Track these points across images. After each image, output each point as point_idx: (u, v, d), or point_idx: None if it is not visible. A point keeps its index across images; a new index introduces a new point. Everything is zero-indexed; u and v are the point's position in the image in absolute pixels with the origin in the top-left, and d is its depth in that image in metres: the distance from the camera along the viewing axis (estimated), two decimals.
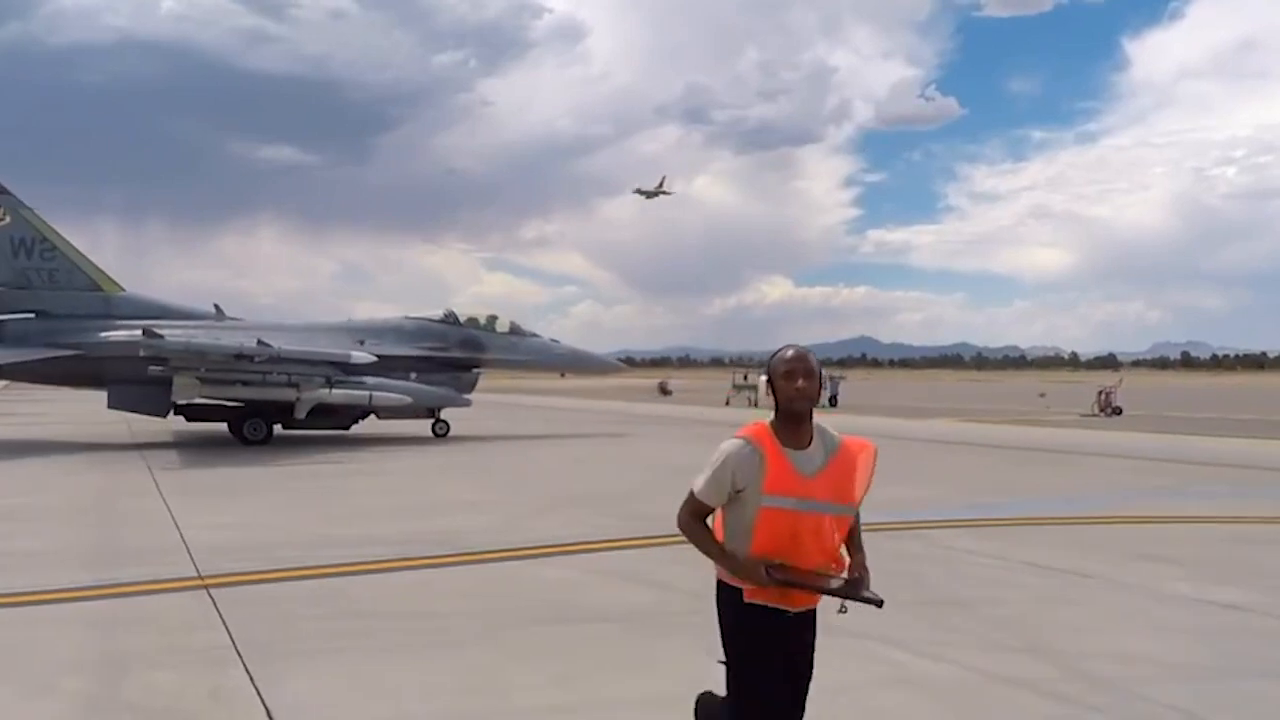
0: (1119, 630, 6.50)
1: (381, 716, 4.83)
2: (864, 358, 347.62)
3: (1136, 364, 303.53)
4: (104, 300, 21.84)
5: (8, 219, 21.16)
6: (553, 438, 24.23)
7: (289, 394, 20.56)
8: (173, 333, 20.13)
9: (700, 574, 7.99)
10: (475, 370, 24.68)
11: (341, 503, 12.58)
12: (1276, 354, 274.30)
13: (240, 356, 19.77)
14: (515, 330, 24.75)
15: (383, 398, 21.36)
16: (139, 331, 19.49)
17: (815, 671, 3.59)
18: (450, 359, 23.91)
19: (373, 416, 22.51)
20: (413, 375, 22.74)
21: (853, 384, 62.72)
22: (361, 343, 22.63)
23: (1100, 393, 39.75)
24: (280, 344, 20.52)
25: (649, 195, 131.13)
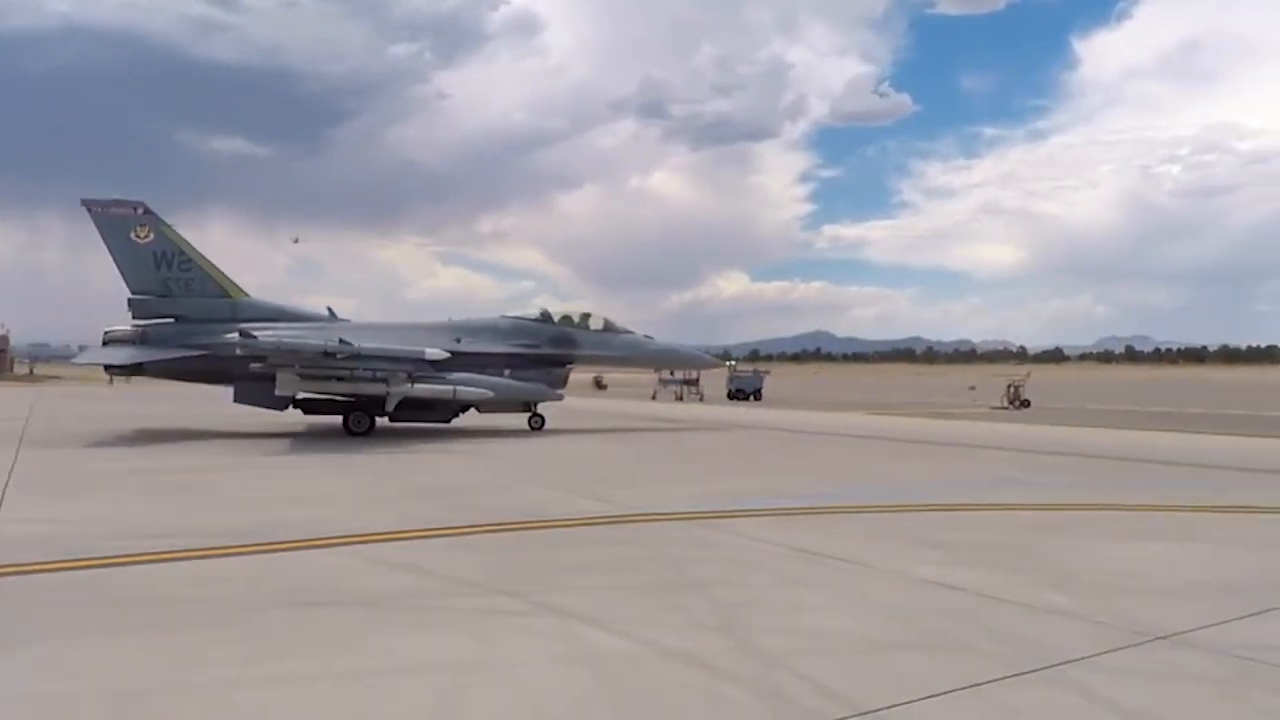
0: (828, 610, 6.87)
1: (47, 692, 5.07)
2: (819, 352, 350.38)
3: (1083, 357, 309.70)
4: (231, 305, 24.39)
5: (151, 236, 24.02)
6: (464, 435, 23.88)
7: (379, 389, 22.31)
8: (266, 333, 22.10)
9: (475, 559, 8.47)
10: (568, 366, 25.95)
11: (204, 498, 12.75)
12: (1216, 348, 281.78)
13: (326, 354, 21.53)
14: (609, 327, 25.91)
15: (466, 392, 22.94)
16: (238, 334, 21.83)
17: (480, 649, 3.76)
18: (543, 355, 25.14)
19: (474, 411, 24.38)
20: (506, 371, 24.26)
21: (800, 379, 63.90)
22: (458, 340, 24.37)
23: (1009, 386, 40.77)
24: (375, 343, 22.59)
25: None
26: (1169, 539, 9.99)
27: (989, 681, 5.26)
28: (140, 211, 24.09)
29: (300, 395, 22.94)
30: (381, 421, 23.51)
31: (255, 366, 21.97)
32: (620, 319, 26.51)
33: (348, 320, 25.85)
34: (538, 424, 24.70)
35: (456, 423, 24.55)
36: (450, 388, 22.79)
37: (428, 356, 22.47)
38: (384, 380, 22.22)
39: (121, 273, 24.06)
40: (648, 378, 48.60)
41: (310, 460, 17.82)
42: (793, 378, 43.12)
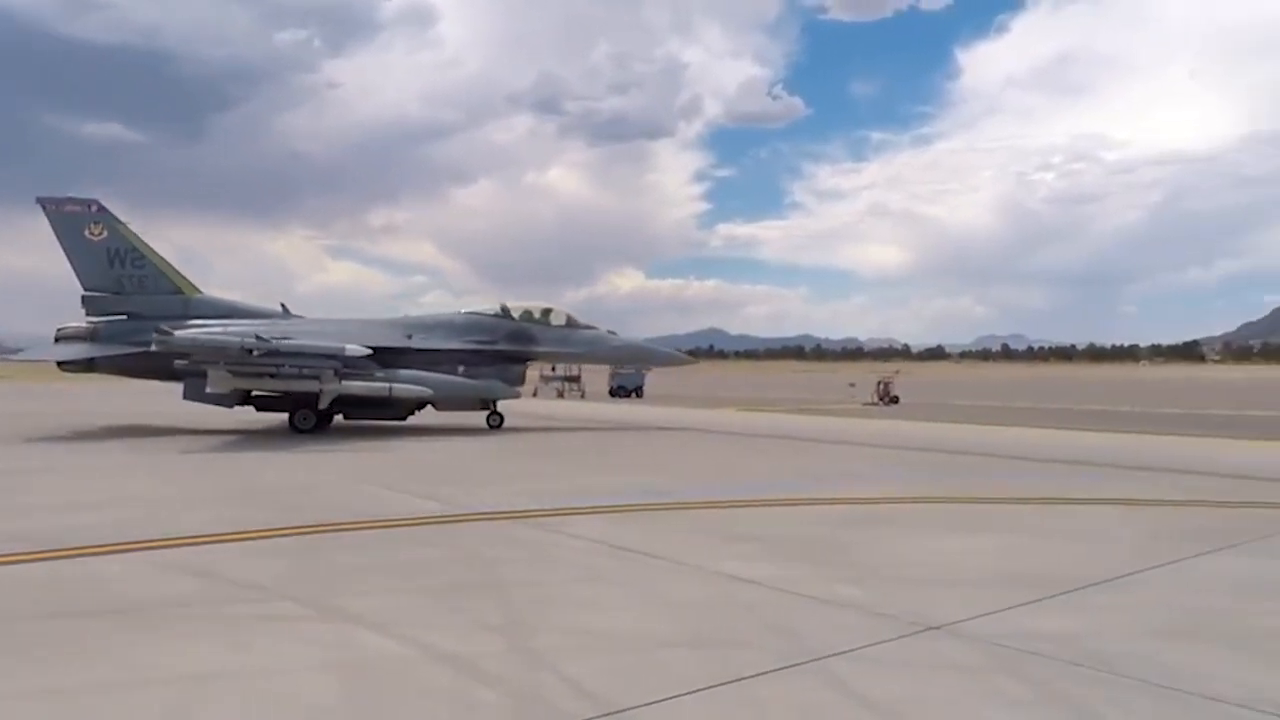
0: (618, 608, 6.80)
1: None
2: (712, 349, 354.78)
3: (963, 355, 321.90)
4: (183, 302, 24.32)
5: (105, 234, 24.11)
6: (391, 434, 22.72)
7: (311, 386, 21.91)
8: (191, 331, 21.88)
9: (273, 563, 8.12)
10: (526, 363, 25.53)
11: (8, 500, 11.98)
12: (1084, 347, 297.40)
13: (243, 350, 21.15)
14: (570, 323, 25.37)
15: (402, 389, 22.40)
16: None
17: (233, 658, 3.55)
18: (499, 352, 24.56)
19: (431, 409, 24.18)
20: (460, 368, 23.74)
21: (687, 376, 64.26)
22: (409, 337, 24.08)
23: (879, 383, 41.95)
24: (318, 339, 22.31)
25: None
26: (984, 531, 10.28)
27: (751, 676, 5.26)
28: (94, 209, 24.25)
29: (255, 392, 22.86)
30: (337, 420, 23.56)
31: (179, 364, 22.03)
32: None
33: (300, 317, 25.61)
34: (496, 422, 24.25)
35: (422, 420, 24.32)
36: (386, 385, 22.27)
37: (348, 353, 21.76)
38: (315, 377, 21.82)
39: (75, 270, 24.12)
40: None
41: (167, 460, 16.96)
42: (679, 375, 43.28)
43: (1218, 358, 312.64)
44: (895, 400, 40.56)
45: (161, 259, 24.65)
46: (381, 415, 23.65)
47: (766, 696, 5.01)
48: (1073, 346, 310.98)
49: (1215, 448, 20.86)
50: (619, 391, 47.92)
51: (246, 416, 24.58)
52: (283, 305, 26.17)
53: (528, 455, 18.77)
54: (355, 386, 22.13)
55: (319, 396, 22.23)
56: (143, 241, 24.56)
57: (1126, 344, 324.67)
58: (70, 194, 24.50)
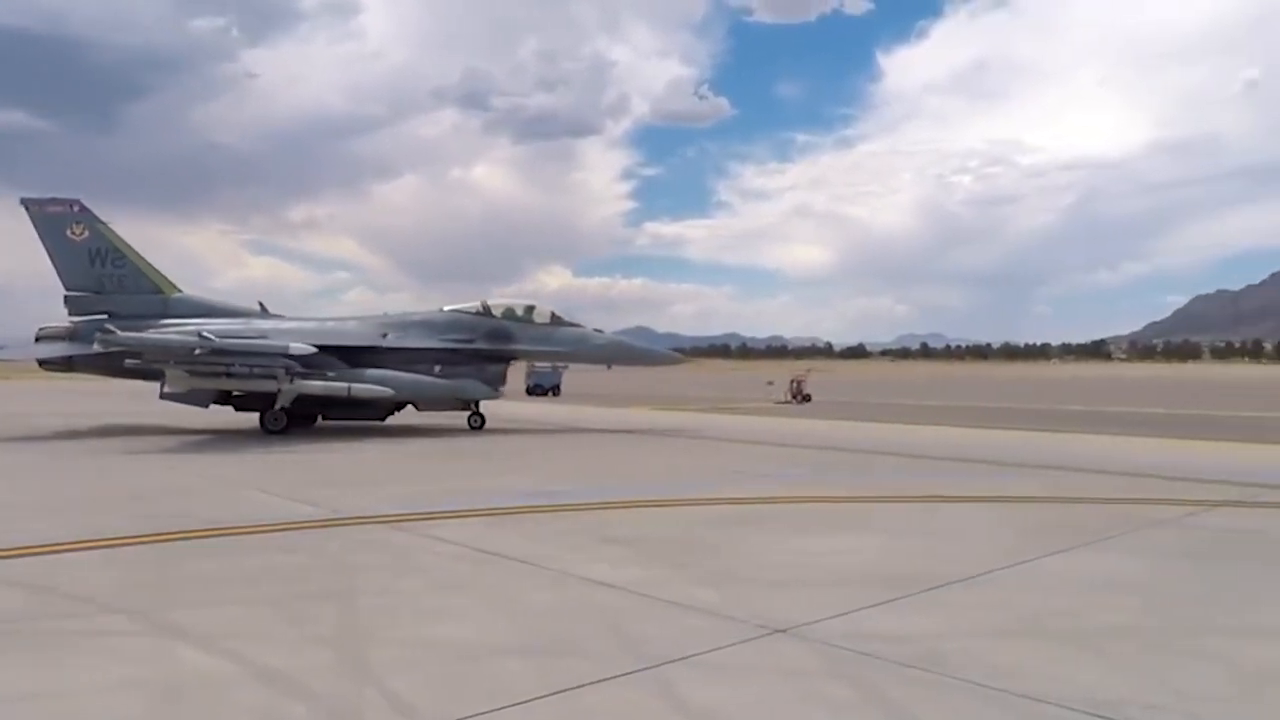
0: (466, 616, 6.63)
1: None
2: None
3: (884, 353, 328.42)
4: (162, 301, 24.30)
5: (86, 233, 24.16)
6: (282, 439, 21.55)
7: (269, 385, 21.52)
8: (130, 333, 21.23)
9: (113, 574, 7.78)
10: (505, 362, 24.68)
11: None
12: (999, 345, 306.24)
13: (186, 349, 20.91)
14: (555, 321, 24.57)
15: (361, 389, 21.86)
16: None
17: (37, 678, 3.27)
18: (478, 351, 23.92)
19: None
20: (437, 367, 23.21)
21: (607, 374, 64.02)
22: (385, 336, 23.66)
23: (792, 382, 42.42)
24: (289, 339, 21.85)
25: None
26: (858, 530, 10.37)
27: (581, 686, 5.16)
28: (76, 209, 24.31)
29: (235, 392, 22.74)
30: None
31: (130, 363, 22.00)
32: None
33: (280, 315, 25.38)
34: (477, 423, 23.72)
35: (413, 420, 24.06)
36: (344, 385, 21.72)
37: (292, 352, 21.24)
38: (271, 377, 21.43)
39: (57, 270, 24.18)
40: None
41: (63, 464, 16.38)
42: (601, 373, 43.83)
43: (1124, 356, 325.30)
44: (808, 398, 41.06)
45: (141, 258, 24.67)
46: (358, 416, 23.37)
47: (590, 706, 4.92)
48: (988, 345, 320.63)
49: (1107, 445, 21.48)
50: (535, 390, 47.51)
51: (229, 417, 24.00)
52: (260, 304, 25.97)
53: (420, 458, 18.43)
54: (314, 386, 21.69)
55: (276, 396, 21.82)
56: (123, 241, 24.59)
57: (1039, 343, 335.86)
58: (53, 194, 24.59)
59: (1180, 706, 4.97)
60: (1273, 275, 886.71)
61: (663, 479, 14.93)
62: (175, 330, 22.51)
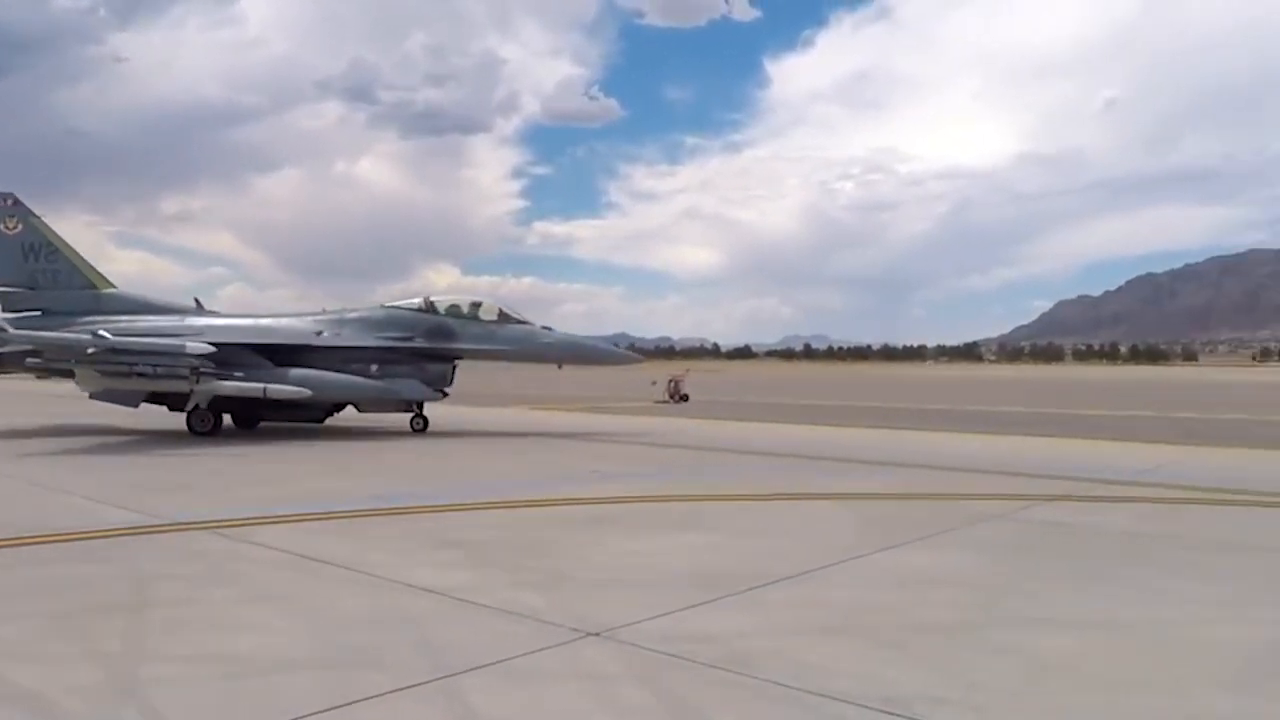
0: (268, 629, 6.25)
1: None
2: None
3: (769, 354, 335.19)
4: (95, 297, 23.64)
5: (20, 227, 23.62)
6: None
7: (180, 385, 20.55)
8: (25, 330, 20.85)
9: None
10: (448, 362, 23.05)
11: None
12: (879, 346, 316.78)
13: (77, 347, 20.12)
14: (503, 317, 23.00)
15: (277, 390, 20.63)
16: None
17: None
18: (417, 350, 22.51)
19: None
20: (374, 367, 21.98)
21: (491, 373, 63.11)
22: (319, 334, 22.57)
23: (670, 381, 42.65)
24: (223, 336, 21.20)
25: None
26: (701, 529, 10.30)
27: (364, 699, 4.88)
28: (10, 203, 23.73)
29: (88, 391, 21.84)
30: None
31: (32, 361, 21.75)
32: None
33: (214, 312, 24.73)
34: (420, 425, 22.56)
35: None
36: (260, 386, 20.51)
37: (189, 350, 19.93)
38: (181, 377, 20.32)
39: None
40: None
41: None
42: (485, 372, 42.82)
43: (993, 358, 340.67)
44: (685, 398, 41.33)
45: (74, 252, 24.03)
46: (295, 418, 22.50)
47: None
48: (869, 346, 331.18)
49: (960, 442, 22.12)
50: None
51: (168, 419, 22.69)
52: (196, 300, 25.32)
53: (270, 460, 17.68)
54: (227, 387, 20.58)
55: (189, 397, 20.89)
56: (56, 234, 23.96)
57: (916, 344, 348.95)
58: None
59: (967, 699, 5.02)
60: (1129, 282, 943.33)
61: (519, 480, 14.68)
62: (76, 328, 21.56)
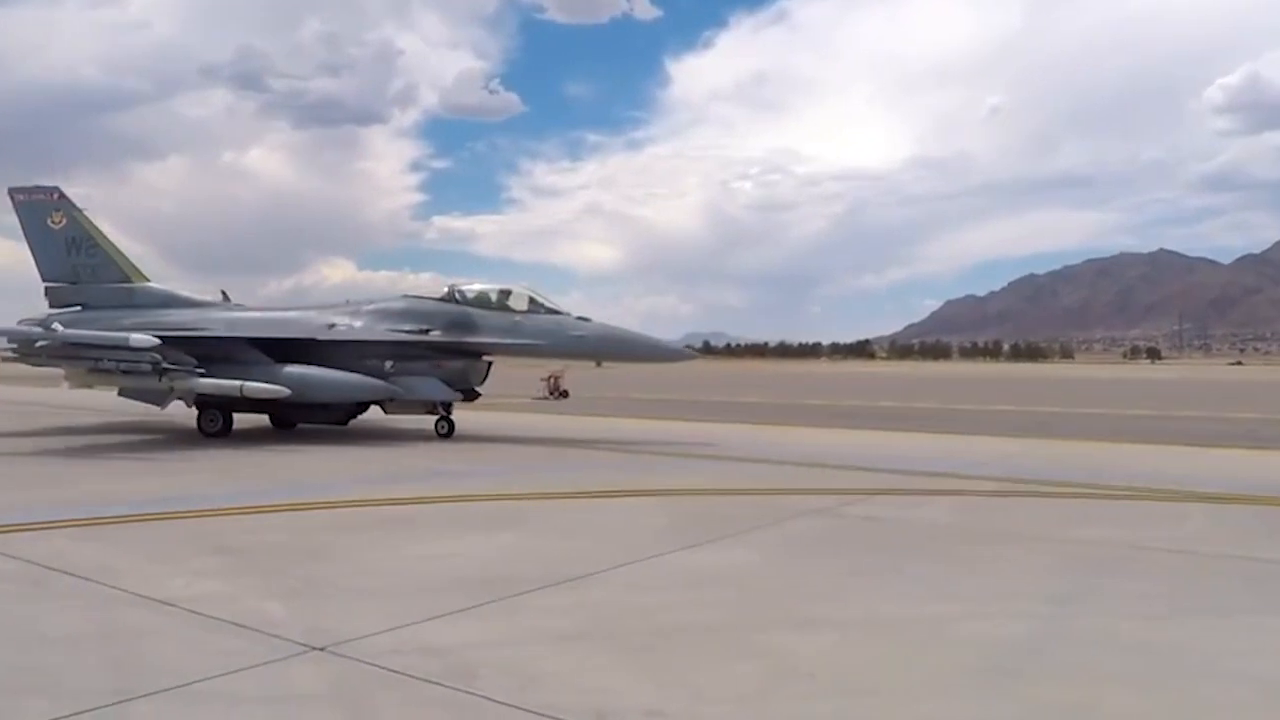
0: None
1: None
2: None
3: None
4: (128, 291, 23.06)
5: (65, 221, 23.23)
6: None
7: (152, 382, 19.20)
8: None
9: None
10: (471, 358, 20.50)
11: None
12: (776, 344, 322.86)
13: (26, 339, 19.54)
14: (533, 306, 20.20)
15: (254, 389, 18.76)
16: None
17: None
18: (435, 344, 20.17)
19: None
20: (389, 363, 19.95)
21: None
22: (331, 326, 20.76)
23: (550, 378, 42.12)
24: (230, 329, 20.43)
25: None
26: (503, 529, 9.81)
27: None
28: (56, 197, 23.44)
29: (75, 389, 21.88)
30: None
31: (6, 355, 21.73)
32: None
33: (240, 305, 23.66)
34: (444, 430, 20.11)
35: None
36: (237, 384, 18.76)
37: (132, 344, 18.22)
38: (150, 373, 18.92)
39: (36, 262, 23.40)
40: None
41: None
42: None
43: (885, 355, 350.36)
44: (565, 394, 40.88)
45: (113, 246, 23.55)
46: (316, 419, 21.05)
47: None
48: (766, 344, 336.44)
49: (819, 437, 22.21)
50: None
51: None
52: (223, 293, 24.32)
53: (101, 458, 16.54)
54: (206, 385, 19.06)
55: (167, 395, 19.72)
56: (96, 228, 23.49)
57: (811, 342, 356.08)
58: (37, 182, 23.72)
59: (687, 710, 4.73)
60: (1011, 283, 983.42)
61: (352, 479, 13.97)
62: (104, 324, 20.72)
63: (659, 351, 21.27)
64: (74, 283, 23.26)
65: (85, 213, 23.56)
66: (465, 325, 20.41)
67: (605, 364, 26.22)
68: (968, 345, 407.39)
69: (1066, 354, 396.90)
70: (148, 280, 23.75)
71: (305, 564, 7.99)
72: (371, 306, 21.53)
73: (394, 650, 5.58)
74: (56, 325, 19.24)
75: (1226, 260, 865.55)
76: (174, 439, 19.84)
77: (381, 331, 20.53)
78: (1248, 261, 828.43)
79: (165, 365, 18.92)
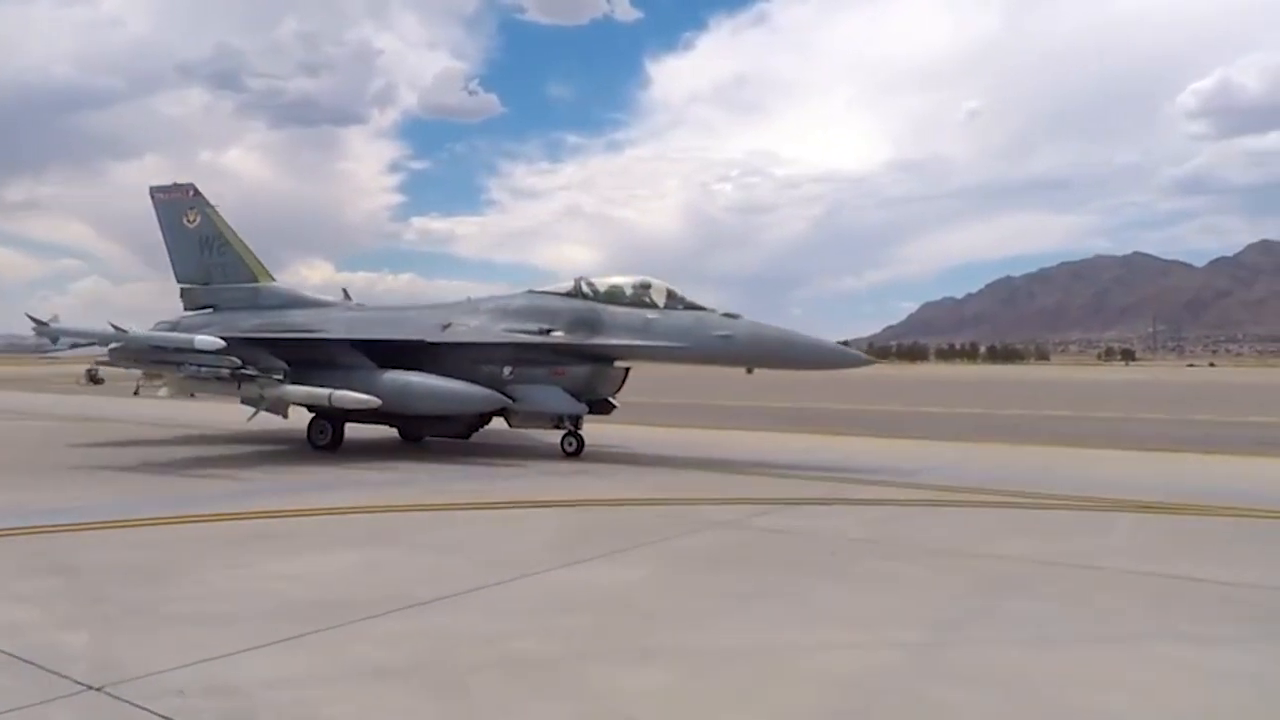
0: None
1: None
2: None
3: None
4: (253, 292, 22.06)
5: (199, 219, 22.50)
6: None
7: (249, 390, 17.53)
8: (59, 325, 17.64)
9: None
10: (598, 363, 17.62)
11: None
12: None
13: (100, 340, 17.81)
14: (671, 301, 17.28)
15: (343, 398, 16.65)
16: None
17: None
18: (559, 345, 17.47)
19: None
20: (507, 369, 17.45)
21: None
22: (446, 326, 18.50)
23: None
24: (348, 330, 18.91)
25: None
26: (383, 545, 9.20)
27: None
28: (191, 194, 22.82)
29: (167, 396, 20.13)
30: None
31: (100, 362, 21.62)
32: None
33: (359, 304, 22.38)
34: (571, 447, 17.34)
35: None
36: (325, 392, 16.71)
37: (196, 346, 16.45)
38: (248, 379, 17.22)
39: (172, 262, 22.78)
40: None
41: None
42: None
43: None
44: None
45: (242, 244, 22.58)
46: (439, 431, 19.12)
47: None
48: None
49: (761, 441, 21.64)
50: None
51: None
52: (344, 291, 23.06)
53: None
54: (297, 393, 17.22)
55: (259, 403, 17.78)
56: (227, 225, 22.70)
57: None
58: (174, 180, 23.21)
59: None
60: (989, 285, 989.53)
61: (243, 488, 13.31)
62: (166, 325, 20.53)
63: (828, 356, 17.12)
64: (206, 284, 22.33)
65: (218, 209, 22.70)
66: (591, 324, 17.57)
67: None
68: (945, 347, 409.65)
69: (1042, 356, 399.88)
70: (273, 280, 22.61)
71: (140, 587, 7.35)
72: (491, 305, 19.15)
73: (178, 690, 4.98)
74: (132, 326, 17.50)
75: (1200, 263, 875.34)
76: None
77: (497, 332, 18.03)
78: (1221, 264, 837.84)
79: (245, 371, 17.11)
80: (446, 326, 18.53)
